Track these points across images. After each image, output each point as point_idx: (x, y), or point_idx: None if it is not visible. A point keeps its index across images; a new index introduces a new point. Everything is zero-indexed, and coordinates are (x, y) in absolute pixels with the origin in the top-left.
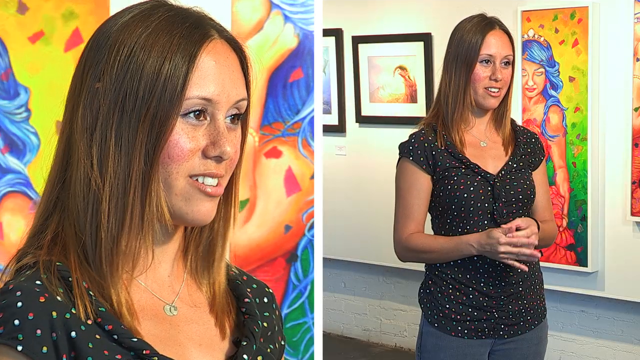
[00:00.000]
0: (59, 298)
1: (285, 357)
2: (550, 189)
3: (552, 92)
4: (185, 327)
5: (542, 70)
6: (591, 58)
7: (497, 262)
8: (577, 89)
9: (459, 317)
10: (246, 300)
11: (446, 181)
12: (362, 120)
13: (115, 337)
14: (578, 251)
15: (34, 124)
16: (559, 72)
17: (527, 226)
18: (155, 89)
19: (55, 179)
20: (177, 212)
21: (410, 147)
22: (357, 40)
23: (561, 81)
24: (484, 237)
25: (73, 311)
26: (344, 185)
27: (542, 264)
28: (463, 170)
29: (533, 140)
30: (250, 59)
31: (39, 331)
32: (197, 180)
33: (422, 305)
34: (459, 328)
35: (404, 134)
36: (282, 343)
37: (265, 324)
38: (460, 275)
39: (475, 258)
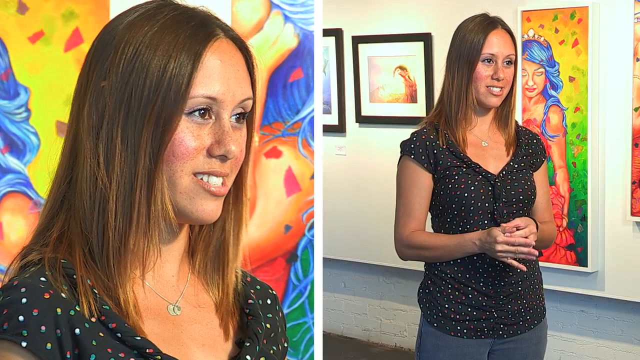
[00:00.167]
0: (63, 295)
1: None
2: (550, 189)
3: (552, 92)
4: (188, 327)
5: (542, 70)
6: (591, 58)
7: (496, 262)
8: (577, 89)
9: (458, 316)
10: (250, 301)
11: (447, 180)
12: (362, 120)
13: (119, 335)
14: (578, 251)
15: (34, 124)
16: (559, 72)
17: (526, 225)
18: (160, 88)
19: (62, 178)
20: (181, 211)
21: (412, 146)
22: (357, 40)
23: (561, 81)
24: (484, 235)
25: (77, 308)
26: (344, 185)
27: (542, 264)
28: (464, 170)
29: (535, 141)
30: (255, 58)
31: (43, 327)
32: (201, 179)
33: (422, 305)
34: (458, 328)
35: (404, 134)
36: (285, 345)
37: (268, 326)
38: (459, 275)
39: (475, 257)
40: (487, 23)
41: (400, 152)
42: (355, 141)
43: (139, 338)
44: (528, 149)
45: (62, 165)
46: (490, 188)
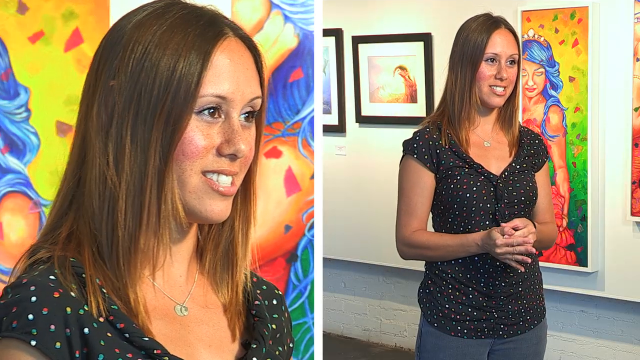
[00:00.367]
0: (72, 294)
1: None
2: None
3: (552, 92)
4: (195, 327)
5: (542, 70)
6: (591, 58)
7: (497, 263)
8: (577, 89)
9: (458, 317)
10: (256, 302)
11: (449, 180)
12: (362, 120)
13: (127, 335)
14: (578, 251)
15: (34, 124)
16: (559, 72)
17: (525, 226)
18: (170, 87)
19: (71, 177)
20: (190, 210)
21: (415, 145)
22: (357, 40)
23: (561, 81)
24: (485, 237)
25: (86, 307)
26: (344, 185)
27: (542, 264)
28: (466, 170)
29: (537, 141)
30: (264, 57)
31: (52, 326)
32: (210, 178)
33: (422, 305)
34: (459, 328)
35: (404, 134)
36: (291, 345)
37: (274, 326)
38: (460, 275)
39: (476, 258)
40: (491, 23)
41: (403, 151)
42: (355, 141)
43: (146, 339)
44: (530, 149)
45: (71, 164)
46: (492, 189)
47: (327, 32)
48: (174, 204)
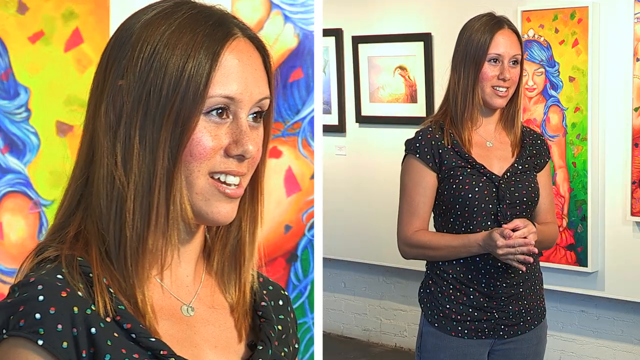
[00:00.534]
0: (80, 293)
1: None
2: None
3: (552, 92)
4: (201, 328)
5: (542, 70)
6: (591, 58)
7: (498, 263)
8: (577, 89)
9: (459, 317)
10: (263, 303)
11: (451, 180)
12: (362, 120)
13: (133, 336)
14: (578, 251)
15: (34, 124)
16: (559, 72)
17: (525, 226)
18: (179, 87)
19: (78, 177)
20: (197, 212)
21: (417, 144)
22: (357, 40)
23: (561, 81)
24: (486, 238)
25: (93, 307)
26: (344, 185)
27: (542, 264)
28: (469, 170)
29: (539, 141)
30: (272, 58)
31: (60, 326)
32: (218, 179)
33: (422, 305)
34: (459, 328)
35: (404, 134)
36: (296, 346)
37: (280, 327)
38: (461, 276)
39: (477, 258)
40: (494, 23)
41: (405, 150)
42: (355, 141)
43: (153, 339)
44: (532, 150)
45: (78, 163)
46: (494, 189)
47: (327, 32)
48: (182, 205)
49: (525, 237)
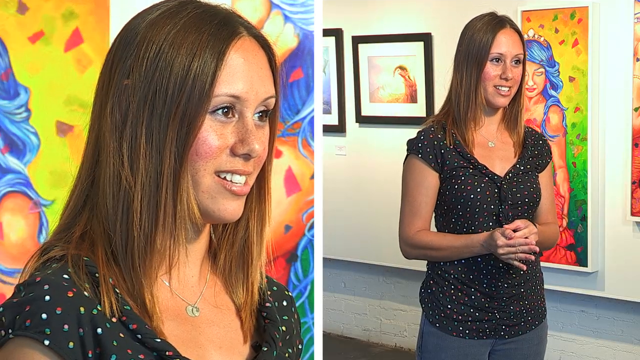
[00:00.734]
0: (86, 293)
1: None
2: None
3: (552, 92)
4: (206, 328)
5: (542, 70)
6: (591, 58)
7: (500, 264)
8: (577, 89)
9: (460, 317)
10: (267, 304)
11: (453, 180)
12: (362, 120)
13: (139, 336)
14: (578, 251)
15: (34, 124)
16: (559, 72)
17: (526, 226)
18: (184, 87)
19: (84, 176)
20: (204, 210)
21: (419, 144)
22: (357, 40)
23: (561, 81)
24: (488, 238)
25: (99, 307)
26: (344, 185)
27: (542, 264)
28: (470, 171)
29: (541, 142)
30: (278, 57)
31: (66, 326)
32: (224, 178)
33: (423, 305)
34: (461, 328)
35: (404, 134)
36: (300, 347)
37: (284, 328)
38: (462, 276)
39: (478, 259)
40: (496, 22)
41: (407, 150)
42: (355, 141)
43: (158, 340)
44: (534, 150)
45: (84, 163)
46: (496, 190)
47: (327, 32)
48: (189, 204)
49: (526, 238)
